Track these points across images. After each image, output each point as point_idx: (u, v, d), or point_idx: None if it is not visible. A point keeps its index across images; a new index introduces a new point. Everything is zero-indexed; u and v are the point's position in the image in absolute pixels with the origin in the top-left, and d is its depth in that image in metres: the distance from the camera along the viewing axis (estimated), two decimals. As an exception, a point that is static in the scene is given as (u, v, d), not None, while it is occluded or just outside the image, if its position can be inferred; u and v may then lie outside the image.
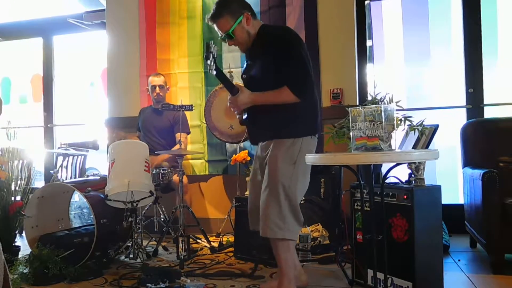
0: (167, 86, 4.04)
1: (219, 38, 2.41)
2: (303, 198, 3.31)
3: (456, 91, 3.96)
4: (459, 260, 2.95)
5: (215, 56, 2.20)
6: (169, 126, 3.90)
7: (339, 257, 2.78)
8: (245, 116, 2.36)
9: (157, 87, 3.94)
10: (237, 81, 4.02)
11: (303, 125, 2.27)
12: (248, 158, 3.76)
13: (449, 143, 3.80)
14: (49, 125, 5.23)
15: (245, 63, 2.44)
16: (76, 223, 3.53)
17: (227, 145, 4.12)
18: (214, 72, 2.21)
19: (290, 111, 2.21)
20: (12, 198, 3.19)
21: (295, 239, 2.26)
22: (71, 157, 4.35)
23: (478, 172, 2.77)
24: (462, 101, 3.90)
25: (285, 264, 2.21)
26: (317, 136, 2.34)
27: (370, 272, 2.14)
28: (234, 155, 3.84)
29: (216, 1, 2.34)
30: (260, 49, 2.30)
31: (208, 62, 2.17)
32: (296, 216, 2.23)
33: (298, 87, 2.17)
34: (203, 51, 4.32)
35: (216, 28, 2.36)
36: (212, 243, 3.46)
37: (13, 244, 3.16)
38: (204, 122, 4.04)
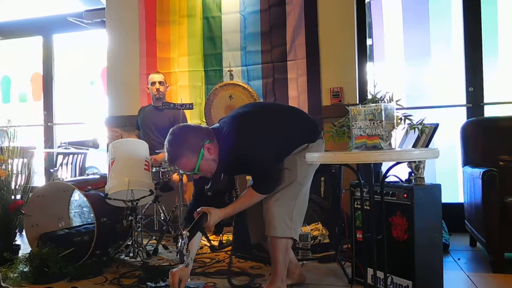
0: (167, 85, 4.03)
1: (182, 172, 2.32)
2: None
3: (456, 89, 3.96)
4: (459, 259, 2.95)
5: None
6: (169, 125, 3.88)
7: (339, 256, 2.78)
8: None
9: (157, 83, 3.93)
10: (237, 80, 4.04)
11: (312, 132, 2.32)
12: (248, 157, 3.75)
13: (449, 142, 3.80)
14: (49, 123, 5.23)
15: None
16: (76, 221, 3.52)
17: (227, 143, 4.11)
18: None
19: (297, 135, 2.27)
20: (12, 197, 3.19)
21: (297, 239, 2.28)
22: (71, 156, 4.35)
23: (478, 171, 2.77)
24: (462, 99, 3.90)
25: (281, 264, 2.22)
26: (323, 137, 2.37)
27: (370, 271, 2.14)
28: (234, 154, 3.83)
29: (168, 139, 2.13)
30: (227, 164, 2.22)
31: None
32: (301, 217, 2.27)
33: (261, 188, 2.17)
34: (203, 50, 4.33)
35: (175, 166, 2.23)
36: (212, 241, 3.46)
37: (14, 243, 3.17)
38: (204, 120, 4.04)
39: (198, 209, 2.16)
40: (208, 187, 2.24)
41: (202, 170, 2.14)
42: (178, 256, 2.01)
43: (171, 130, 2.17)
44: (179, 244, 2.00)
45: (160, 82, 3.94)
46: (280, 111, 2.44)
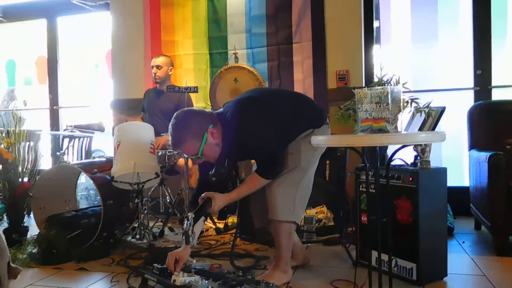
0: (170, 67, 3.95)
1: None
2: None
3: (464, 72, 3.91)
4: (463, 242, 2.96)
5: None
6: (174, 108, 3.88)
7: (343, 239, 2.80)
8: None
9: (154, 67, 3.91)
10: (242, 62, 4.01)
11: (317, 118, 2.31)
12: (253, 140, 3.75)
13: (456, 126, 3.78)
14: (54, 107, 5.24)
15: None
16: (83, 204, 3.57)
17: (232, 127, 4.11)
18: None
19: (304, 121, 2.26)
20: (20, 180, 3.22)
21: (299, 223, 2.29)
22: (77, 139, 4.37)
23: (484, 155, 2.75)
24: (470, 83, 3.86)
25: (284, 248, 2.24)
26: (328, 123, 2.37)
27: (374, 254, 2.15)
28: (239, 137, 3.83)
29: (172, 124, 2.13)
30: (230, 150, 2.21)
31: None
32: (304, 202, 2.27)
33: (265, 173, 2.18)
34: (208, 32, 4.29)
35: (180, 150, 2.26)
36: (217, 224, 3.49)
37: (22, 225, 3.21)
38: (210, 104, 4.03)
39: (202, 195, 2.18)
40: (212, 172, 2.26)
41: (206, 155, 2.14)
42: (183, 237, 2.04)
43: (175, 114, 2.18)
44: (185, 226, 2.02)
45: (157, 66, 3.89)
46: (285, 97, 2.43)
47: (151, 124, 3.45)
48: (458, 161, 3.87)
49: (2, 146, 3.21)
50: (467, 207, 3.32)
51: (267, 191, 2.23)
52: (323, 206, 3.24)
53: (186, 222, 2.03)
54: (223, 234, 3.32)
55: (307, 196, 2.29)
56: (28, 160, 3.34)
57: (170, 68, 3.93)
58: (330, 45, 3.95)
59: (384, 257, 2.09)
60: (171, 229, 3.50)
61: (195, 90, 3.42)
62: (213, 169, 2.27)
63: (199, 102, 4.19)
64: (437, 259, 2.23)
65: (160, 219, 3.61)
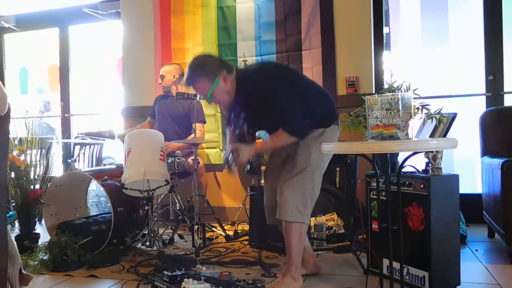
0: (174, 74, 3.91)
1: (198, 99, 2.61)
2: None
3: (476, 78, 3.88)
4: (476, 250, 2.91)
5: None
6: (184, 115, 3.90)
7: (354, 246, 2.77)
8: (248, 168, 2.40)
9: (159, 78, 3.95)
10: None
11: (328, 117, 2.33)
12: (263, 147, 3.74)
13: (467, 132, 3.73)
14: (66, 114, 5.29)
15: (231, 118, 2.43)
16: (93, 211, 3.58)
17: (242, 134, 4.11)
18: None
19: (316, 115, 2.28)
20: (31, 187, 3.25)
21: (308, 224, 2.29)
22: (88, 146, 4.41)
23: (497, 161, 2.71)
24: (482, 88, 3.82)
25: (295, 250, 2.23)
26: (338, 123, 2.38)
27: (385, 262, 2.12)
28: (249, 144, 3.82)
29: (189, 63, 2.30)
30: (245, 103, 2.31)
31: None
32: (313, 202, 2.28)
33: (293, 130, 2.20)
34: (217, 40, 4.31)
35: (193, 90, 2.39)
36: (227, 231, 3.49)
37: (33, 231, 3.23)
38: (219, 111, 4.04)
39: (228, 147, 2.30)
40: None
41: (215, 98, 2.26)
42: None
43: (194, 56, 2.35)
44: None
45: (160, 77, 3.94)
46: (311, 82, 2.49)
47: (161, 130, 3.46)
48: (471, 167, 3.83)
49: (15, 153, 3.24)
50: (480, 214, 3.28)
51: (278, 191, 2.24)
52: (333, 214, 3.22)
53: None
54: (232, 242, 3.30)
55: (316, 196, 2.30)
56: (39, 167, 3.38)
57: (174, 75, 3.91)
58: (340, 51, 3.94)
59: (396, 265, 2.07)
60: (181, 236, 3.50)
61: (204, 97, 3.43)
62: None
63: (209, 109, 4.20)
64: (449, 267, 2.19)
65: (170, 226, 3.61)
